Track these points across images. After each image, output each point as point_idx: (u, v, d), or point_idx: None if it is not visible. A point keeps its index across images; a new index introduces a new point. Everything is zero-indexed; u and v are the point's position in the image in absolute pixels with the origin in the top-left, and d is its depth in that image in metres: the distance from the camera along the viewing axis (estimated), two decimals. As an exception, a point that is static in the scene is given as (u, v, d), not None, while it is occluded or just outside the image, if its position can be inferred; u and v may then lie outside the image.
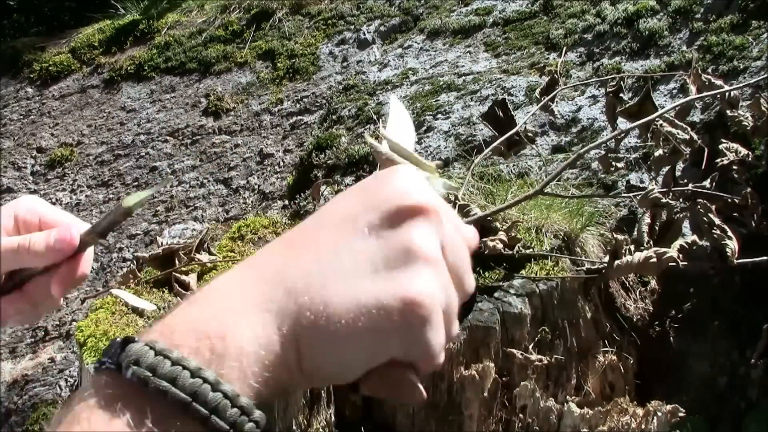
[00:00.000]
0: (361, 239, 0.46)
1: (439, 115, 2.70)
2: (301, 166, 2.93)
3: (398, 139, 0.63)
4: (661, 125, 1.62)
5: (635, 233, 1.66)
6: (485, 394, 1.34)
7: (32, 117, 3.94)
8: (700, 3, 2.65)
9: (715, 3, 2.61)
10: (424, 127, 2.67)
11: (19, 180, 3.54)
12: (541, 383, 1.43)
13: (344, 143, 2.83)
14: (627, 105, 1.73)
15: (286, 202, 2.79)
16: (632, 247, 1.47)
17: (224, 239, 1.67)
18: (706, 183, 1.59)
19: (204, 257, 1.51)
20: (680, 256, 1.43)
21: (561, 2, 3.13)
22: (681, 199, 1.63)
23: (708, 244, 1.47)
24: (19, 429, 2.35)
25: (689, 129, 1.65)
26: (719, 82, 1.73)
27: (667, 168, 1.73)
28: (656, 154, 1.70)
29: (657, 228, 1.63)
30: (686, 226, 1.71)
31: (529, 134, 1.76)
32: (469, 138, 2.49)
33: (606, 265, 1.47)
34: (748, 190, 1.59)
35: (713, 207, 1.50)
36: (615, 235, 1.47)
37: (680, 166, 1.89)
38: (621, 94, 1.78)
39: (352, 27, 3.71)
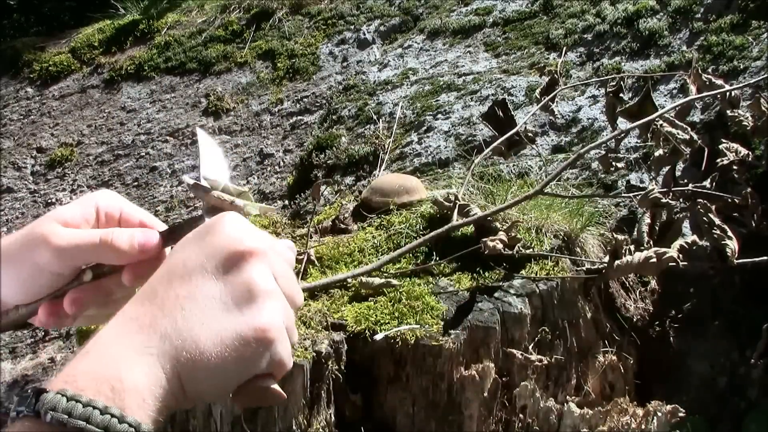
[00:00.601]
0: (211, 285, 0.57)
1: (439, 115, 2.70)
2: (301, 166, 2.92)
3: (215, 176, 0.72)
4: (661, 125, 1.62)
5: (635, 233, 1.66)
6: (485, 394, 1.34)
7: (32, 117, 3.94)
8: (700, 3, 2.65)
9: (715, 3, 2.61)
10: (424, 127, 2.67)
11: (19, 180, 3.54)
12: (541, 383, 1.43)
13: (344, 143, 2.83)
14: (627, 105, 1.73)
15: (286, 202, 2.79)
16: (632, 247, 1.47)
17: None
18: (706, 183, 1.59)
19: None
20: (680, 256, 1.43)
21: (561, 2, 3.13)
22: (681, 199, 1.63)
23: (708, 244, 1.47)
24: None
25: (689, 129, 1.65)
26: (719, 82, 1.73)
27: (667, 168, 1.73)
28: (656, 154, 1.70)
29: (657, 228, 1.63)
30: (686, 226, 1.71)
31: (529, 134, 1.76)
32: (469, 138, 2.49)
33: (606, 265, 1.47)
34: (748, 190, 1.59)
35: (713, 207, 1.50)
36: (615, 235, 1.47)
37: (680, 166, 1.89)
38: (621, 94, 1.78)
39: (352, 27, 3.70)
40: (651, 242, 1.60)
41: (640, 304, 1.79)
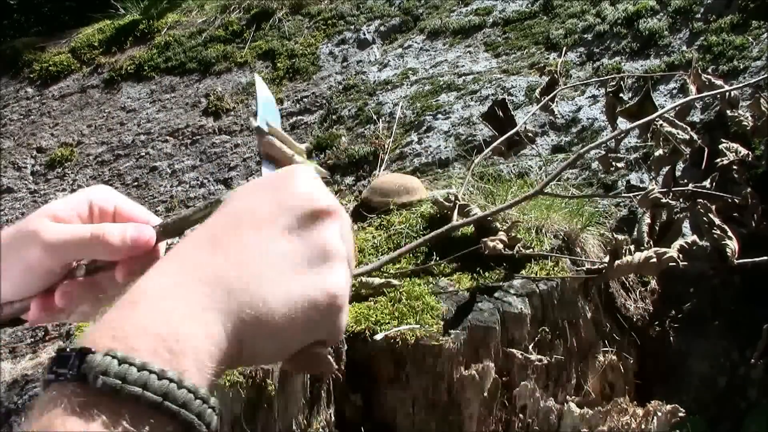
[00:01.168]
0: (284, 241, 0.52)
1: (439, 115, 2.70)
2: (301, 166, 2.92)
3: (275, 125, 0.69)
4: (661, 125, 1.62)
5: (635, 233, 1.66)
6: (485, 394, 1.34)
7: (32, 117, 3.94)
8: (700, 3, 2.65)
9: (715, 3, 2.61)
10: (424, 127, 2.67)
11: (19, 180, 3.54)
12: (541, 383, 1.43)
13: (344, 143, 2.83)
14: (627, 105, 1.73)
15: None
16: (632, 247, 1.47)
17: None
18: (706, 183, 1.59)
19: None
20: (680, 256, 1.43)
21: (561, 2, 3.13)
22: (681, 199, 1.63)
23: (708, 244, 1.47)
24: (19, 429, 2.35)
25: (689, 129, 1.65)
26: (719, 82, 1.73)
27: (667, 168, 1.73)
28: (656, 154, 1.70)
29: (657, 228, 1.63)
30: (686, 226, 1.71)
31: (529, 134, 1.76)
32: (469, 138, 2.49)
33: (606, 265, 1.47)
34: (748, 190, 1.59)
35: (713, 207, 1.50)
36: (615, 235, 1.47)
37: (680, 166, 1.89)
38: (621, 94, 1.78)
39: (352, 27, 3.70)
40: (651, 242, 1.60)
41: (640, 304, 1.79)
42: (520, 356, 1.39)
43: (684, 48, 2.51)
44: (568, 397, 1.48)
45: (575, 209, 1.72)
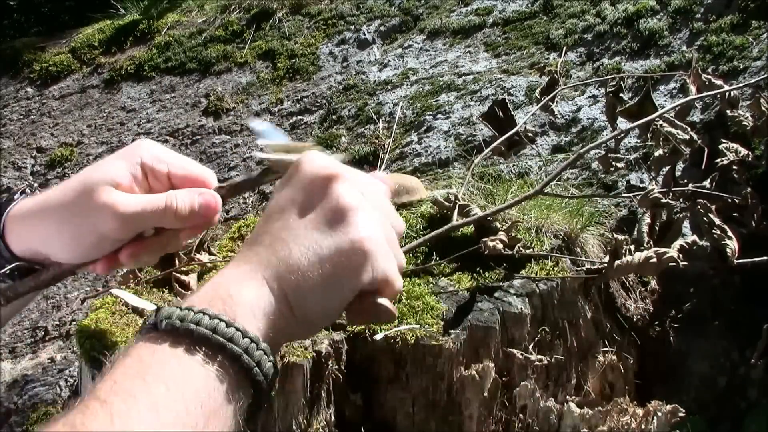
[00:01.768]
0: (302, 214, 0.60)
1: (439, 115, 2.70)
2: (301, 166, 2.92)
3: (276, 141, 0.77)
4: (661, 125, 1.62)
5: (635, 233, 1.66)
6: (485, 394, 1.34)
7: (32, 117, 3.93)
8: (700, 3, 2.65)
9: (715, 3, 2.61)
10: (424, 127, 2.67)
11: (19, 180, 3.53)
12: (541, 383, 1.43)
13: (344, 143, 2.83)
14: (627, 105, 1.73)
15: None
16: (632, 247, 1.46)
17: (224, 239, 1.67)
18: (706, 183, 1.59)
19: (204, 257, 1.51)
20: (680, 256, 1.43)
21: (561, 2, 3.13)
22: (681, 199, 1.63)
23: (708, 244, 1.47)
24: (19, 429, 2.35)
25: (689, 129, 1.65)
26: (719, 82, 1.73)
27: (667, 168, 1.73)
28: (656, 154, 1.70)
29: (657, 228, 1.63)
30: (686, 226, 1.71)
31: (529, 134, 1.76)
32: (469, 138, 2.49)
33: (606, 265, 1.47)
34: (748, 190, 1.59)
35: (713, 207, 1.50)
36: (615, 235, 1.47)
37: (680, 166, 1.89)
38: (621, 94, 1.78)
39: (352, 27, 3.70)
40: (651, 242, 1.59)
41: (640, 304, 1.79)
42: (520, 356, 1.39)
43: (684, 48, 2.51)
44: (568, 397, 1.48)
45: (575, 209, 1.72)
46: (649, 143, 1.93)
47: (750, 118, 1.70)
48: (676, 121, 1.65)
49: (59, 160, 3.55)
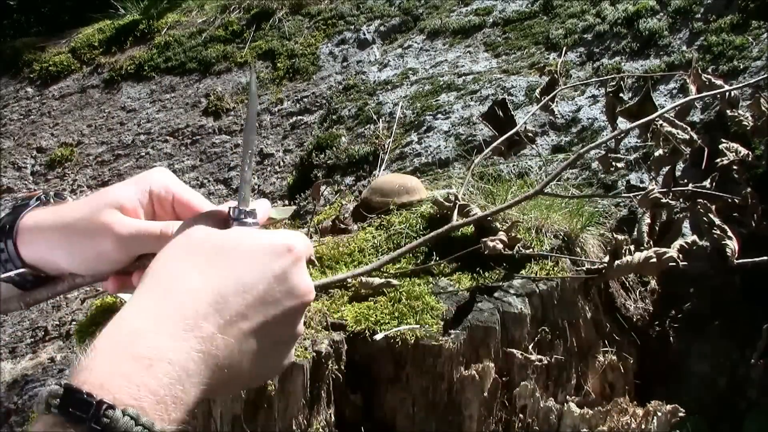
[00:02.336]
0: (269, 329, 0.62)
1: (439, 115, 2.70)
2: (301, 166, 2.92)
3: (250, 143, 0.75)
4: (661, 125, 1.62)
5: (635, 233, 1.66)
6: (485, 394, 1.34)
7: (32, 117, 3.94)
8: (700, 3, 2.65)
9: (715, 3, 2.61)
10: (424, 127, 2.67)
11: (19, 180, 3.53)
12: (541, 383, 1.43)
13: (344, 143, 2.83)
14: (627, 105, 1.73)
15: (286, 202, 2.79)
16: (632, 247, 1.46)
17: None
18: (706, 183, 1.59)
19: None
20: (680, 256, 1.43)
21: (561, 2, 3.13)
22: (681, 199, 1.63)
23: (708, 244, 1.47)
24: (19, 429, 2.35)
25: (689, 129, 1.65)
26: (719, 82, 1.73)
27: (667, 168, 1.73)
28: (656, 154, 1.70)
29: (657, 228, 1.63)
30: (686, 226, 1.71)
31: (529, 134, 1.76)
32: (469, 138, 2.49)
33: (606, 265, 1.47)
34: (748, 190, 1.59)
35: (713, 207, 1.50)
36: (615, 235, 1.47)
37: (680, 166, 1.89)
38: (621, 94, 1.78)
39: (352, 27, 3.70)
40: (651, 242, 1.60)
41: (640, 304, 1.79)
42: (520, 356, 1.39)
43: (684, 48, 2.51)
44: (568, 397, 1.48)
45: (575, 209, 1.72)
46: (649, 143, 1.93)
47: (750, 118, 1.70)
48: (676, 121, 1.65)
49: (59, 160, 3.55)
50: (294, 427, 1.23)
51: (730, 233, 1.45)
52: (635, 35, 2.68)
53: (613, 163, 1.71)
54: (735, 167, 1.63)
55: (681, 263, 1.41)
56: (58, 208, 0.78)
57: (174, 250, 0.63)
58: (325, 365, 1.27)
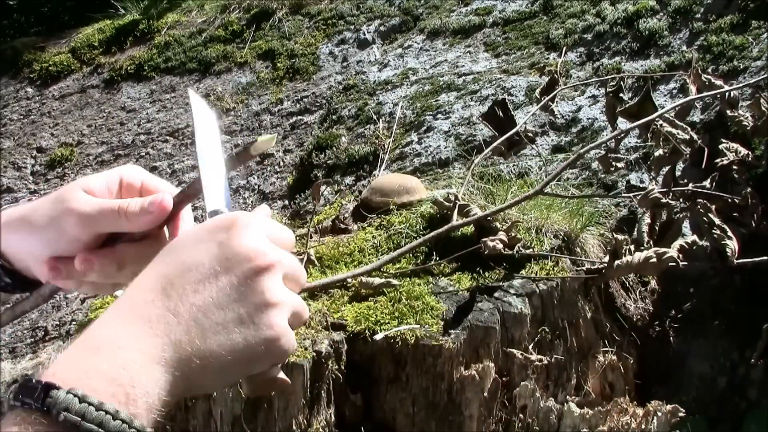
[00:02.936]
0: (225, 296, 0.59)
1: (439, 115, 2.70)
2: (301, 166, 2.92)
3: (210, 153, 0.74)
4: (661, 125, 1.62)
5: (635, 233, 1.66)
6: (485, 394, 1.34)
7: (32, 117, 3.94)
8: (700, 3, 2.65)
9: (715, 3, 2.61)
10: (424, 127, 2.67)
11: (19, 180, 3.54)
12: (541, 383, 1.43)
13: (344, 143, 2.83)
14: (627, 105, 1.73)
15: (286, 202, 2.79)
16: (632, 247, 1.46)
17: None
18: (706, 183, 1.59)
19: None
20: (680, 256, 1.43)
21: (561, 2, 3.13)
22: (681, 199, 1.63)
23: (708, 244, 1.47)
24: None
25: (689, 129, 1.65)
26: (719, 82, 1.73)
27: (667, 168, 1.73)
28: (656, 154, 1.70)
29: (657, 228, 1.63)
30: (686, 226, 1.70)
31: (529, 134, 1.76)
32: (469, 138, 2.49)
33: (606, 265, 1.47)
34: (748, 190, 1.59)
35: (713, 207, 1.50)
36: (615, 235, 1.47)
37: (680, 166, 1.89)
38: (621, 94, 1.78)
39: (352, 27, 3.70)
40: (651, 242, 1.59)
41: (640, 304, 1.79)
42: (520, 356, 1.39)
43: (684, 48, 2.51)
44: (568, 397, 1.48)
45: (575, 209, 1.72)
46: (649, 143, 1.93)
47: (750, 118, 1.70)
48: (676, 121, 1.65)
49: (59, 160, 3.55)
50: (294, 427, 1.23)
51: (730, 233, 1.45)
52: (635, 35, 2.68)
53: (613, 163, 1.71)
54: (735, 167, 1.63)
55: (681, 263, 1.41)
56: (33, 200, 0.80)
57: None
58: (325, 365, 1.27)
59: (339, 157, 2.75)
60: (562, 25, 2.96)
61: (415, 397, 1.33)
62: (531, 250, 1.54)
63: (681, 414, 1.41)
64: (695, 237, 1.51)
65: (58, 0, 5.51)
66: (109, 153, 3.52)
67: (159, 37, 4.16)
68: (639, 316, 1.75)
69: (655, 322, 1.76)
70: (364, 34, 3.60)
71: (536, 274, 1.48)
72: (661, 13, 2.72)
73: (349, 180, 2.65)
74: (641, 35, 2.65)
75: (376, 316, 1.36)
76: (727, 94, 1.71)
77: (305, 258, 1.56)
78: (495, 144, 1.74)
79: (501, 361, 1.39)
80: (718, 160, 1.65)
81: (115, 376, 0.52)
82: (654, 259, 1.40)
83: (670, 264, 1.40)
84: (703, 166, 1.69)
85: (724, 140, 1.71)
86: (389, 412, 1.35)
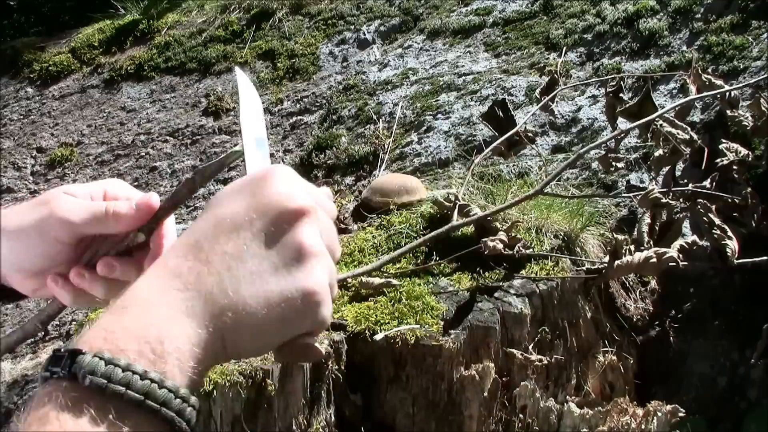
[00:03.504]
0: (259, 243, 0.55)
1: (439, 115, 2.70)
2: (301, 166, 2.92)
3: (253, 126, 0.73)
4: (661, 125, 1.62)
5: (635, 233, 1.66)
6: (485, 394, 1.34)
7: (32, 117, 3.94)
8: (700, 3, 2.65)
9: (715, 3, 2.61)
10: (424, 127, 2.67)
11: (19, 180, 3.54)
12: (541, 383, 1.43)
13: (344, 143, 2.83)
14: (627, 105, 1.73)
15: (286, 202, 2.79)
16: (632, 247, 1.47)
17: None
18: (706, 183, 1.59)
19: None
20: (680, 256, 1.43)
21: (561, 2, 3.13)
22: (681, 199, 1.63)
23: (708, 244, 1.47)
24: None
25: (689, 129, 1.65)
26: (719, 82, 1.73)
27: (667, 168, 1.73)
28: (656, 154, 1.70)
29: (657, 228, 1.63)
30: (686, 226, 1.70)
31: (529, 134, 1.76)
32: (469, 138, 2.49)
33: (606, 265, 1.47)
34: (748, 190, 1.59)
35: (713, 207, 1.50)
36: (615, 235, 1.47)
37: (680, 166, 1.89)
38: (621, 94, 1.78)
39: (352, 27, 3.70)
40: (651, 242, 1.59)
41: (640, 304, 1.79)
42: (520, 356, 1.39)
43: (684, 48, 2.51)
44: (568, 397, 1.48)
45: (575, 209, 1.72)
46: (649, 143, 1.93)
47: (750, 118, 1.71)
48: (676, 121, 1.65)
49: (59, 160, 3.55)
50: (294, 427, 1.23)
51: (730, 233, 1.45)
52: (635, 35, 2.68)
53: (613, 163, 1.71)
54: (735, 167, 1.63)
55: (681, 263, 1.41)
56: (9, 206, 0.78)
57: None
58: (325, 365, 1.27)
59: (339, 157, 2.75)
60: (562, 25, 2.96)
61: (415, 397, 1.33)
62: (531, 250, 1.54)
63: (681, 414, 1.41)
64: (695, 237, 1.51)
65: (58, 0, 5.51)
66: (109, 153, 3.52)
67: (159, 37, 4.16)
68: (639, 316, 1.75)
69: (655, 322, 1.76)
70: (364, 34, 3.60)
71: (536, 274, 1.48)
72: (661, 13, 2.72)
73: (349, 180, 2.65)
74: (641, 35, 2.65)
75: (376, 316, 1.36)
76: (727, 94, 1.72)
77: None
78: (495, 144, 1.74)
79: (501, 361, 1.39)
80: (718, 160, 1.65)
81: (143, 334, 0.49)
82: (654, 259, 1.40)
83: (670, 264, 1.40)
84: (703, 166, 1.69)
85: (724, 140, 1.71)
86: (389, 412, 1.35)
